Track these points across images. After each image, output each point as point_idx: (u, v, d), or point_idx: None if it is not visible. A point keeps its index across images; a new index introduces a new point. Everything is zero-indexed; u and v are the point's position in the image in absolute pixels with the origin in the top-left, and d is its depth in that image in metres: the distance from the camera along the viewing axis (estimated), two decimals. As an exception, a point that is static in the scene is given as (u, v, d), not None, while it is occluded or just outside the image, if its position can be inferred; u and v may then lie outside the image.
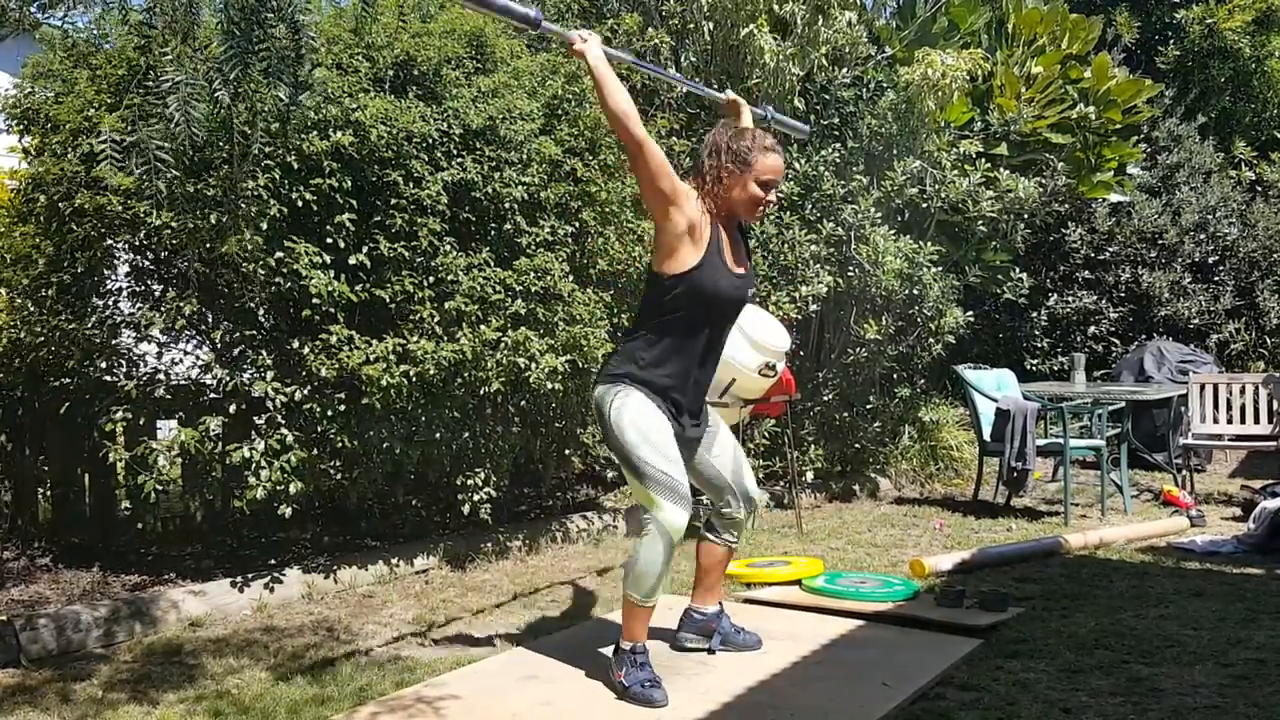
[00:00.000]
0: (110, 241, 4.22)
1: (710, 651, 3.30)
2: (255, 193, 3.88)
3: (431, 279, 4.31)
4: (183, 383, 4.58)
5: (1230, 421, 6.86)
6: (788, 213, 6.37)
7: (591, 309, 4.73)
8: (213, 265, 4.08)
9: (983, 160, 7.31)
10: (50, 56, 4.38)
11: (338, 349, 4.06)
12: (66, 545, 4.57)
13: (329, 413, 4.12)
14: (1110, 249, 9.73)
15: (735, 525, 3.27)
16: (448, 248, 4.34)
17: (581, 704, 2.92)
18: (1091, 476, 6.79)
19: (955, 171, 7.01)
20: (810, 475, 6.63)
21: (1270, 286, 9.64)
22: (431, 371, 4.16)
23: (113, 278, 4.45)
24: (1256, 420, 6.79)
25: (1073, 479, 6.00)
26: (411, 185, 4.27)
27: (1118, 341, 9.53)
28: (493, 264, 4.45)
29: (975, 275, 7.44)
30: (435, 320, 4.26)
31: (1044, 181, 8.11)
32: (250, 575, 4.03)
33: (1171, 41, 11.73)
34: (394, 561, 4.44)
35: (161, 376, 4.49)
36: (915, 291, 6.49)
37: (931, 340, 6.78)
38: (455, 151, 4.45)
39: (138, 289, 4.51)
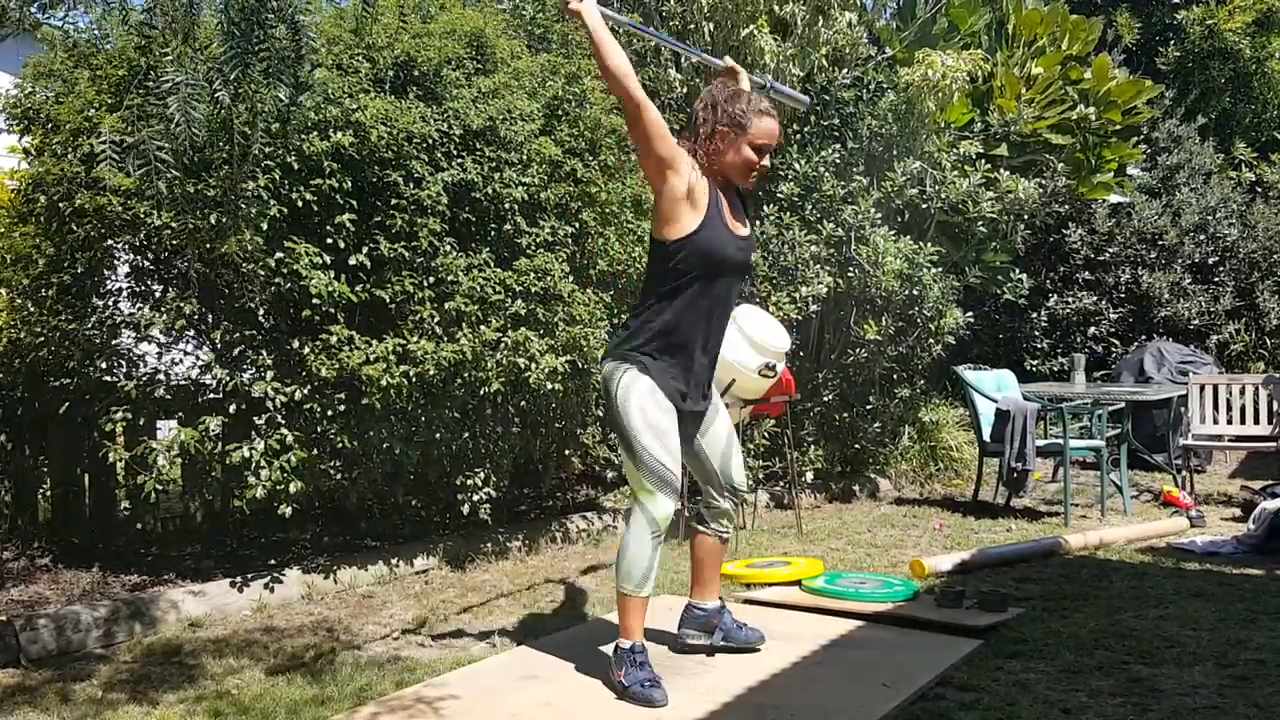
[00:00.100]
0: (110, 242, 4.22)
1: (710, 651, 3.29)
2: (255, 193, 3.89)
3: (431, 279, 4.31)
4: (183, 383, 4.58)
5: (1230, 422, 6.86)
6: (788, 213, 6.38)
7: (591, 309, 4.74)
8: (213, 265, 4.08)
9: (983, 161, 7.32)
10: (51, 56, 4.38)
11: (338, 349, 4.07)
12: (66, 545, 4.57)
13: (329, 413, 4.12)
14: (1110, 250, 9.73)
15: (723, 515, 3.26)
16: (448, 248, 4.34)
17: (581, 704, 2.92)
18: (1091, 477, 6.79)
19: (955, 172, 7.01)
20: (810, 475, 6.63)
21: (1270, 287, 9.65)
22: (431, 372, 4.16)
23: (113, 278, 4.45)
24: (1256, 421, 6.79)
25: (1072, 479, 6.00)
26: (412, 186, 4.27)
27: (1118, 342, 9.53)
28: (493, 264, 4.45)
29: (975, 276, 7.44)
30: (435, 320, 4.26)
31: (1044, 182, 8.12)
32: (250, 575, 4.04)
33: (1172, 42, 11.73)
34: (394, 562, 4.44)
35: (161, 376, 4.49)
36: (915, 292, 6.49)
37: (931, 341, 6.79)
38: (455, 152, 4.46)
39: (138, 289, 4.51)
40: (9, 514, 4.71)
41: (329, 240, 4.13)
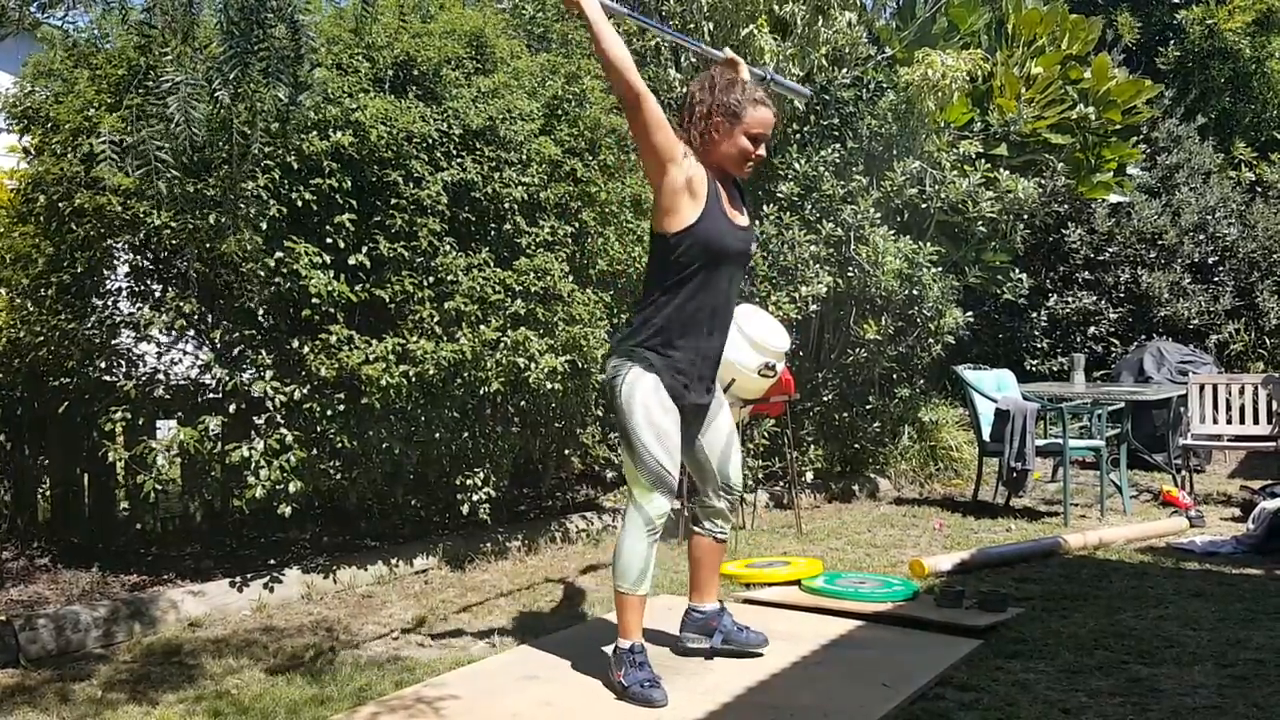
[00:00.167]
0: (110, 241, 4.21)
1: (709, 654, 3.28)
2: (255, 193, 3.88)
3: (431, 279, 4.31)
4: (182, 383, 4.58)
5: (1230, 422, 6.86)
6: (787, 213, 6.38)
7: (591, 309, 4.73)
8: (212, 265, 4.08)
9: (982, 161, 7.32)
10: (50, 56, 4.38)
11: (337, 349, 4.07)
12: (66, 545, 4.57)
13: (329, 412, 4.12)
14: (1110, 249, 9.73)
15: (718, 514, 3.26)
16: (447, 248, 4.34)
17: (581, 704, 2.92)
18: (1091, 477, 6.79)
19: (955, 172, 7.01)
20: (810, 475, 6.63)
21: (1270, 287, 9.65)
22: (431, 371, 4.16)
23: (112, 278, 4.45)
24: (1256, 421, 6.79)
25: (1072, 479, 6.00)
26: (411, 185, 4.27)
27: (1117, 342, 9.53)
28: (492, 264, 4.45)
29: (975, 276, 7.44)
30: (435, 320, 4.26)
31: (1044, 182, 8.12)
32: (249, 575, 4.04)
33: (1171, 42, 11.74)
34: (393, 561, 4.44)
35: (161, 376, 4.48)
36: (915, 292, 6.49)
37: (931, 340, 6.79)
38: (455, 152, 4.46)
39: (137, 289, 4.51)
40: (9, 514, 4.71)
41: (329, 240, 4.13)
